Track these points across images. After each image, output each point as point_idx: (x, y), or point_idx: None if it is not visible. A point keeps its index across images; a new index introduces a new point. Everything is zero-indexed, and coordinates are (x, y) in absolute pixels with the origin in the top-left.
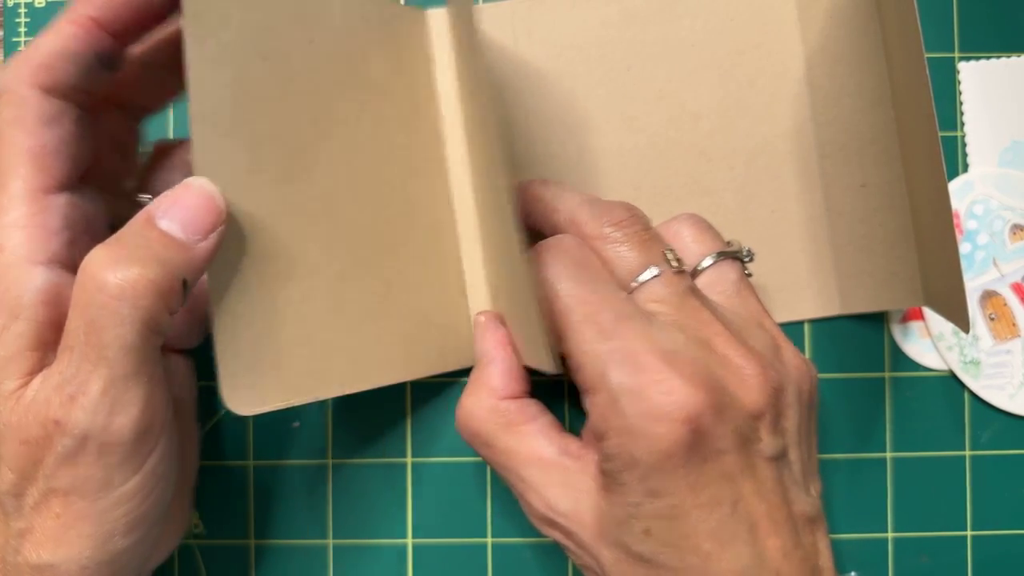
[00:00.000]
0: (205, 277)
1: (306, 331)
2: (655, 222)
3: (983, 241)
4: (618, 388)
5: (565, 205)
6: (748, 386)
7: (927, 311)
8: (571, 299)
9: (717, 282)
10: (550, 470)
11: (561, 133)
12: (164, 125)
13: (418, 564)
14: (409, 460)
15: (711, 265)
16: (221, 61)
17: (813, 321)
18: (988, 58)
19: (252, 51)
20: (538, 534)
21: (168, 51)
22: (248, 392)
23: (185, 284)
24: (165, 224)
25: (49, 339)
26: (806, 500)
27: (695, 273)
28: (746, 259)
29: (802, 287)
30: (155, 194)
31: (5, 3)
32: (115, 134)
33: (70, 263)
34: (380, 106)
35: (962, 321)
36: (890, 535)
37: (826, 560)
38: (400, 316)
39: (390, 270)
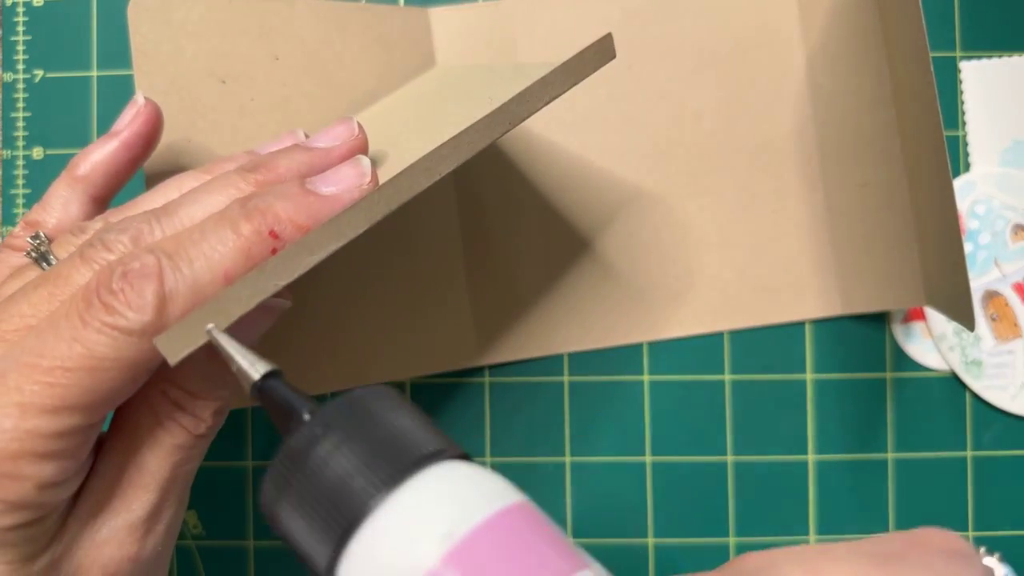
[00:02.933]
0: None
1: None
2: (656, 221)
3: (985, 241)
4: None
5: None
6: None
7: (929, 311)
8: None
9: None
10: None
11: (561, 132)
12: None
13: None
14: None
15: None
16: (172, 90)
17: (815, 321)
18: (989, 57)
19: (209, 76)
20: None
21: None
22: None
23: None
24: None
25: None
26: None
27: None
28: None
29: (803, 287)
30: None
31: (4, 2)
32: None
33: None
34: (361, 110)
35: (967, 319)
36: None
37: None
38: (389, 317)
39: (373, 273)
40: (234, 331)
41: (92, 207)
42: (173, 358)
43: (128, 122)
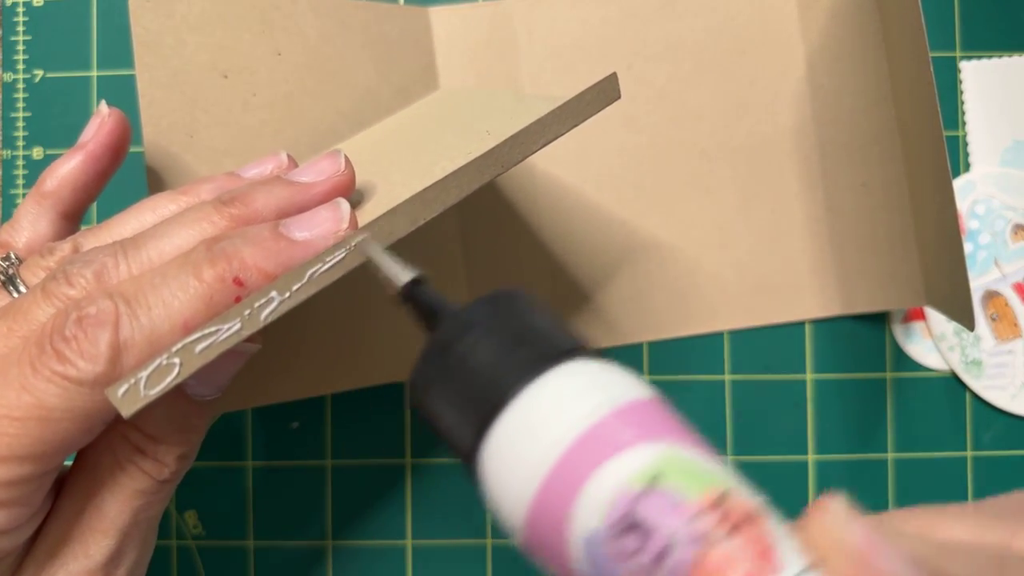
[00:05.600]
0: None
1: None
2: (655, 221)
3: (985, 241)
4: None
5: None
6: None
7: (929, 311)
8: None
9: None
10: None
11: None
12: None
13: (417, 565)
14: (408, 461)
15: None
16: (174, 85)
17: (815, 321)
18: (990, 57)
19: (211, 70)
20: None
21: None
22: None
23: None
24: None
25: None
26: None
27: None
28: None
29: (803, 287)
30: None
31: (4, 2)
32: None
33: None
34: (362, 109)
35: (967, 319)
36: None
37: None
38: (389, 317)
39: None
40: (199, 375)
41: (62, 223)
42: (127, 411)
43: (93, 133)
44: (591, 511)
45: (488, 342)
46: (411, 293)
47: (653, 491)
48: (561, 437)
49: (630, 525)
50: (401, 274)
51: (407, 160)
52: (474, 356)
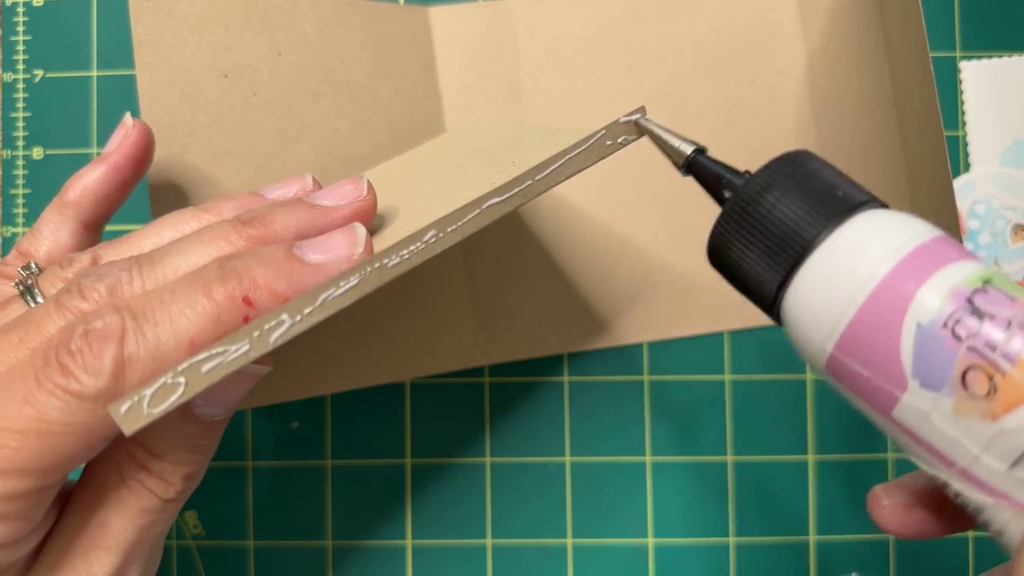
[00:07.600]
0: None
1: None
2: (655, 221)
3: (985, 241)
4: None
5: None
6: None
7: None
8: None
9: None
10: None
11: None
12: None
13: (417, 565)
14: (408, 461)
15: None
16: (174, 84)
17: None
18: (990, 57)
19: (211, 70)
20: (537, 535)
21: None
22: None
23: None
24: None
25: None
26: None
27: None
28: None
29: None
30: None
31: (4, 2)
32: None
33: None
34: (362, 108)
35: None
36: (891, 536)
37: None
38: (389, 317)
39: None
40: (207, 395)
41: (83, 233)
42: (128, 428)
43: (117, 144)
44: (928, 304)
45: (787, 200)
46: (694, 162)
47: (987, 289)
48: (891, 255)
49: (967, 313)
50: (683, 145)
51: (431, 189)
52: (778, 210)
